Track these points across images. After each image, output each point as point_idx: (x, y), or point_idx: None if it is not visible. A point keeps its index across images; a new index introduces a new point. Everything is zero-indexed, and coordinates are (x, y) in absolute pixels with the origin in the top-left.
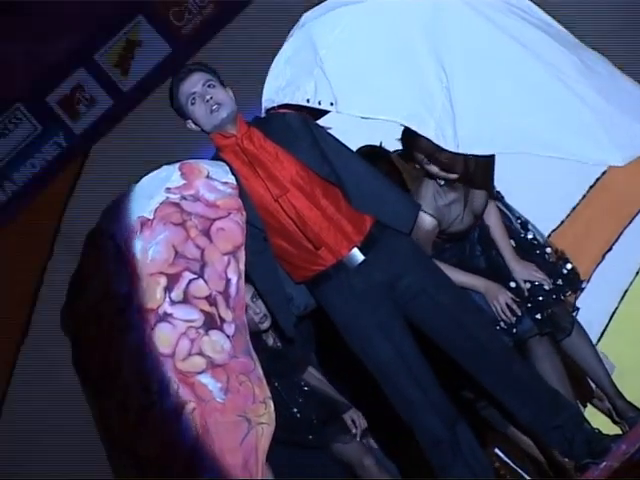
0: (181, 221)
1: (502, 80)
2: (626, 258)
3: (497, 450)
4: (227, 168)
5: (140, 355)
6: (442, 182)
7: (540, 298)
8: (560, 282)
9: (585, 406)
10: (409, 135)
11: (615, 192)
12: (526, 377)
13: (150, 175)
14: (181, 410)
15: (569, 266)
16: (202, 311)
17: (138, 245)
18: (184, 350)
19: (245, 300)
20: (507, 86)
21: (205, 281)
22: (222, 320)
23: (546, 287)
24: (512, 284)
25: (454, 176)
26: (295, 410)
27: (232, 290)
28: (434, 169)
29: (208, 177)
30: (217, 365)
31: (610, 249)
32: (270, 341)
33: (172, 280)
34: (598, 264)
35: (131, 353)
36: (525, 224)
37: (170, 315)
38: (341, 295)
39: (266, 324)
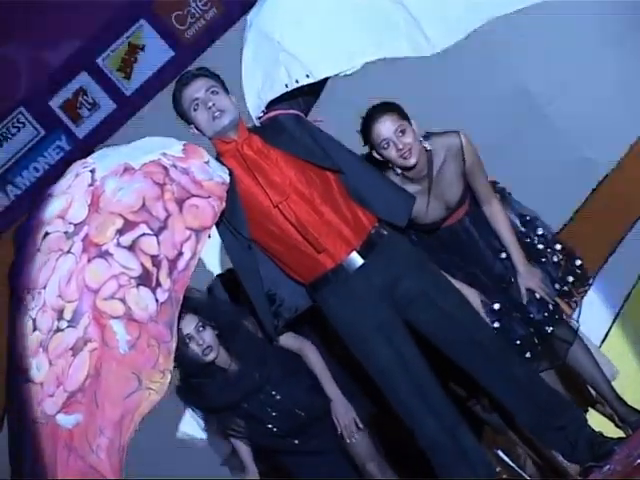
0: (162, 182)
1: None
2: (629, 261)
3: (499, 452)
4: (227, 170)
5: (67, 281)
6: (399, 171)
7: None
8: (566, 288)
9: (587, 411)
10: (368, 123)
11: (618, 195)
12: (526, 379)
13: (155, 138)
14: (82, 345)
15: (578, 262)
16: (142, 265)
17: (112, 184)
18: (109, 290)
19: (188, 280)
20: None
21: (158, 242)
22: (158, 283)
23: (538, 296)
24: (496, 306)
25: (412, 162)
26: (270, 426)
27: (181, 264)
28: (392, 153)
29: (206, 163)
30: (134, 319)
31: (614, 251)
32: (228, 365)
33: (127, 226)
34: (601, 266)
35: (60, 276)
36: (533, 220)
37: (111, 255)
38: (341, 299)
39: (211, 356)
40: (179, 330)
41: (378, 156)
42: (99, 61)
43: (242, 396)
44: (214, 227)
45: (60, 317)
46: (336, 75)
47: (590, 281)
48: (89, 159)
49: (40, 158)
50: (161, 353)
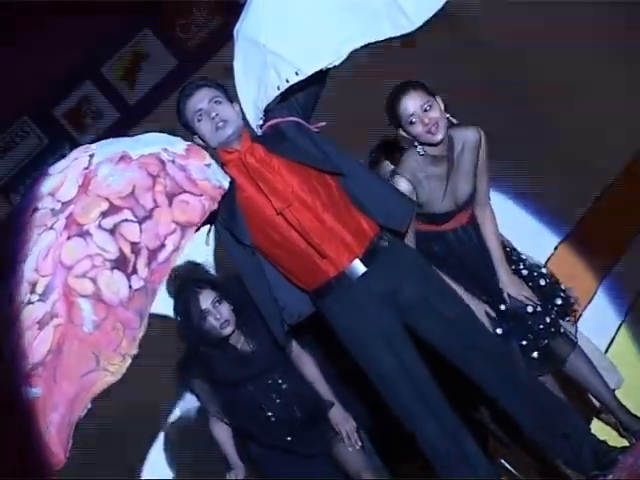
0: (155, 174)
1: None
2: (635, 267)
3: (503, 461)
4: (228, 178)
5: (44, 255)
6: (423, 151)
7: (541, 326)
8: (556, 308)
9: (591, 419)
10: (395, 100)
11: (624, 201)
12: (530, 385)
13: (162, 134)
14: (48, 320)
15: (563, 286)
16: (120, 250)
17: (105, 170)
18: (82, 269)
19: (168, 273)
20: None
21: (140, 230)
22: (134, 271)
23: (530, 310)
24: (502, 307)
25: (439, 137)
26: (270, 414)
27: (161, 256)
28: (418, 129)
29: (207, 165)
30: (102, 301)
31: (620, 257)
32: (239, 344)
33: (112, 210)
34: (607, 272)
35: (39, 250)
36: (514, 250)
37: (90, 235)
38: (343, 306)
39: (228, 329)
40: (196, 306)
41: (404, 133)
42: (103, 70)
43: (251, 375)
44: (217, 233)
45: (33, 290)
46: (327, 68)
47: (575, 306)
48: (92, 145)
49: (44, 167)
50: (125, 338)
